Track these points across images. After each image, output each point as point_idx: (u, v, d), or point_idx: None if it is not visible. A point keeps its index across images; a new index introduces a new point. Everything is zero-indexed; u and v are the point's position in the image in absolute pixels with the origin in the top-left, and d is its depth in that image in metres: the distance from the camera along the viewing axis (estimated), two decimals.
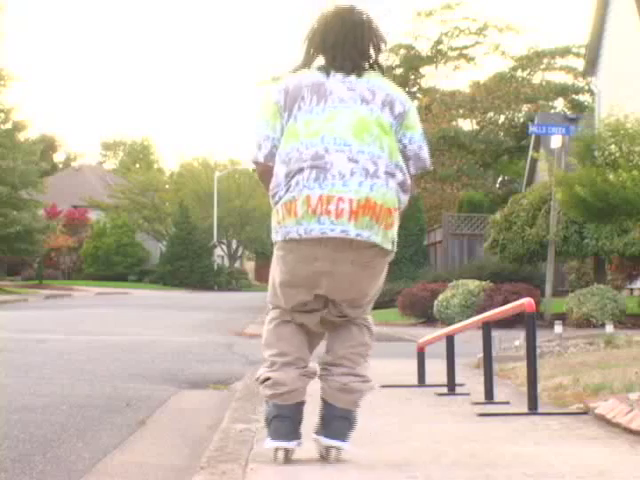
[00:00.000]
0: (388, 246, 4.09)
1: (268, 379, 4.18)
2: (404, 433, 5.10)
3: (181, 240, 54.26)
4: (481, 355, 9.02)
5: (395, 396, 6.81)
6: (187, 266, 53.31)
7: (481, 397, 6.52)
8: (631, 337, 10.61)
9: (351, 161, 4.03)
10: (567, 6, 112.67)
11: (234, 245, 63.51)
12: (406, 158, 4.18)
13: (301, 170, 4.03)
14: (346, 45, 4.20)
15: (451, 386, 7.12)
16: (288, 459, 4.15)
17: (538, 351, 7.07)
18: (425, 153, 4.23)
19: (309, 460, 4.20)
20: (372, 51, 4.26)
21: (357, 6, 4.30)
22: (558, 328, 12.63)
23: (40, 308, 25.84)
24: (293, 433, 4.17)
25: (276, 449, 4.16)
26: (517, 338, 10.94)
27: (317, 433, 4.23)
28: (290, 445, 4.15)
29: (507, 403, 6.26)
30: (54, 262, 53.81)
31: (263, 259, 65.94)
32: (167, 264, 54.17)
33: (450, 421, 5.54)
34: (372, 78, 4.21)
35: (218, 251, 59.85)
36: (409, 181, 4.16)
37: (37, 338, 13.67)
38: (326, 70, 4.20)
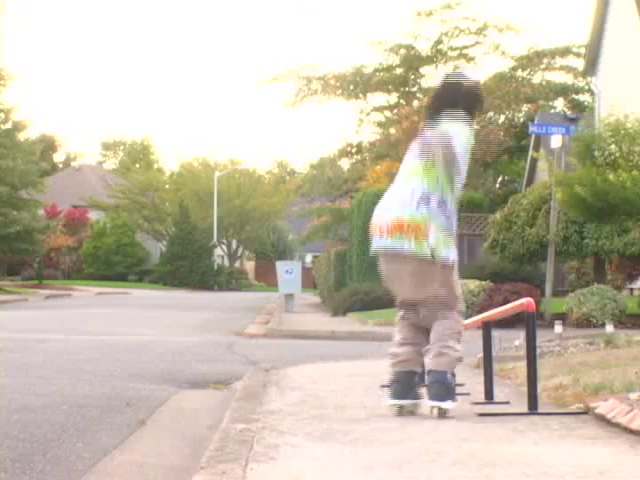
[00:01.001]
0: (425, 253, 5.49)
1: (390, 353, 5.86)
2: (404, 433, 5.10)
3: (181, 240, 54.27)
4: (481, 355, 9.01)
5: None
6: (187, 266, 53.31)
7: (481, 397, 6.52)
8: (631, 337, 10.60)
9: (395, 195, 5.70)
10: (567, 6, 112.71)
11: (234, 245, 63.52)
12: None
13: (377, 207, 5.83)
14: (437, 102, 5.87)
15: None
16: (401, 413, 5.65)
17: (538, 351, 7.07)
18: (454, 141, 5.67)
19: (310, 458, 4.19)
20: (460, 108, 5.77)
21: (463, 72, 6.56)
22: (558, 328, 12.64)
23: (40, 308, 25.85)
24: (405, 394, 5.68)
25: (392, 405, 5.69)
26: (517, 338, 10.94)
27: (427, 398, 5.63)
28: (402, 402, 5.68)
29: (507, 403, 6.26)
30: (54, 262, 53.81)
31: (263, 259, 66.05)
32: (167, 264, 54.18)
33: (450, 421, 5.54)
34: (442, 126, 5.73)
35: (218, 251, 59.84)
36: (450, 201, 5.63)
37: (37, 338, 13.68)
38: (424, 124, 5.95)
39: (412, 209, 5.55)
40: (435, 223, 5.53)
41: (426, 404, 5.61)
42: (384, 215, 5.66)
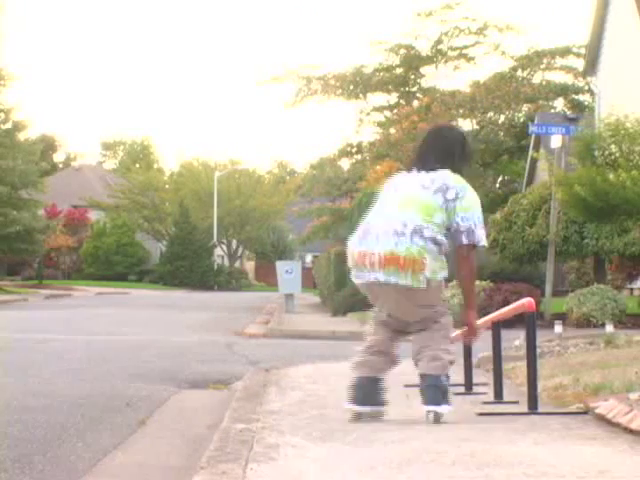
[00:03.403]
0: (419, 285, 5.44)
1: (356, 356, 5.75)
2: (404, 433, 5.10)
3: (181, 240, 54.25)
4: (481, 355, 9.02)
5: (395, 396, 6.80)
6: (187, 266, 53.29)
7: (481, 397, 6.52)
8: (631, 337, 10.60)
9: (387, 225, 5.51)
10: (567, 6, 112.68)
11: (234, 245, 63.51)
12: (459, 231, 5.57)
13: (357, 233, 5.63)
14: (429, 153, 5.78)
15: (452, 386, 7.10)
16: (359, 419, 5.54)
17: (538, 351, 7.07)
18: (479, 230, 5.60)
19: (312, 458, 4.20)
20: (449, 159, 5.73)
21: (452, 125, 6.02)
22: (558, 328, 12.64)
23: (40, 308, 25.83)
24: (366, 400, 5.59)
25: (348, 409, 5.62)
26: (517, 338, 10.93)
27: (422, 403, 5.54)
28: (361, 409, 5.57)
29: (516, 403, 6.22)
30: (54, 262, 53.80)
31: (263, 259, 66.03)
32: (167, 264, 54.16)
33: (450, 421, 5.54)
34: (439, 172, 5.67)
35: (218, 251, 59.82)
36: (441, 238, 5.52)
37: (37, 338, 13.67)
38: (409, 169, 5.84)
39: (406, 241, 5.45)
40: (430, 254, 5.47)
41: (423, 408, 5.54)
42: (373, 246, 5.49)
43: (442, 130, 6.13)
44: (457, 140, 5.92)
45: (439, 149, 5.79)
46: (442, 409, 5.45)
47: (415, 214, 5.51)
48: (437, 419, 5.43)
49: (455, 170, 5.73)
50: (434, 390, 5.45)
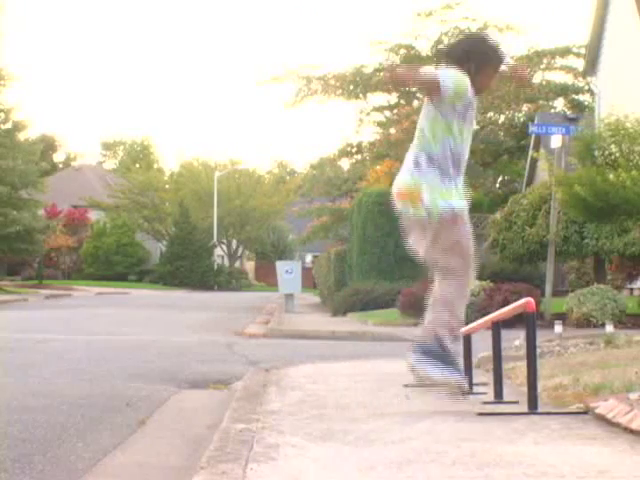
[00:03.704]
0: (420, 214, 5.44)
1: None
2: (404, 433, 5.10)
3: (181, 240, 54.29)
4: (481, 355, 9.03)
5: (395, 396, 6.80)
6: (187, 266, 53.33)
7: (481, 397, 6.52)
8: (631, 337, 10.60)
9: (405, 162, 5.61)
10: (567, 6, 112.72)
11: (234, 245, 63.54)
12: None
13: None
14: (446, 59, 5.68)
15: None
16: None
17: (538, 351, 7.05)
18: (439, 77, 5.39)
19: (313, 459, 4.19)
20: (462, 66, 5.55)
21: (472, 32, 5.85)
22: (558, 328, 12.64)
23: (40, 308, 25.84)
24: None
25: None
26: (517, 338, 10.93)
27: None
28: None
29: (516, 403, 6.22)
30: (54, 262, 53.84)
31: (263, 259, 66.08)
32: (167, 264, 54.20)
33: (450, 420, 5.53)
34: None
35: (218, 251, 59.87)
36: (437, 151, 5.50)
37: (37, 338, 13.68)
38: None
39: (408, 176, 5.52)
40: (427, 183, 5.44)
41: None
42: (396, 183, 5.63)
43: (457, 38, 6.01)
44: (471, 44, 5.75)
45: (451, 59, 5.65)
46: (418, 365, 5.60)
47: (420, 141, 5.54)
48: (410, 368, 5.64)
49: (477, 73, 5.62)
50: (420, 349, 5.60)
